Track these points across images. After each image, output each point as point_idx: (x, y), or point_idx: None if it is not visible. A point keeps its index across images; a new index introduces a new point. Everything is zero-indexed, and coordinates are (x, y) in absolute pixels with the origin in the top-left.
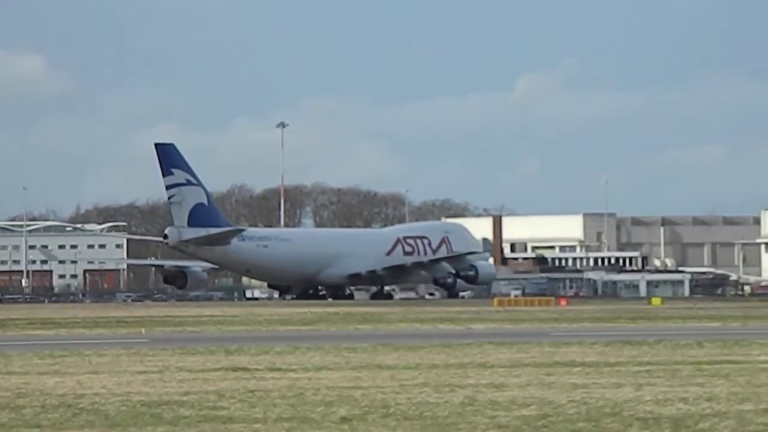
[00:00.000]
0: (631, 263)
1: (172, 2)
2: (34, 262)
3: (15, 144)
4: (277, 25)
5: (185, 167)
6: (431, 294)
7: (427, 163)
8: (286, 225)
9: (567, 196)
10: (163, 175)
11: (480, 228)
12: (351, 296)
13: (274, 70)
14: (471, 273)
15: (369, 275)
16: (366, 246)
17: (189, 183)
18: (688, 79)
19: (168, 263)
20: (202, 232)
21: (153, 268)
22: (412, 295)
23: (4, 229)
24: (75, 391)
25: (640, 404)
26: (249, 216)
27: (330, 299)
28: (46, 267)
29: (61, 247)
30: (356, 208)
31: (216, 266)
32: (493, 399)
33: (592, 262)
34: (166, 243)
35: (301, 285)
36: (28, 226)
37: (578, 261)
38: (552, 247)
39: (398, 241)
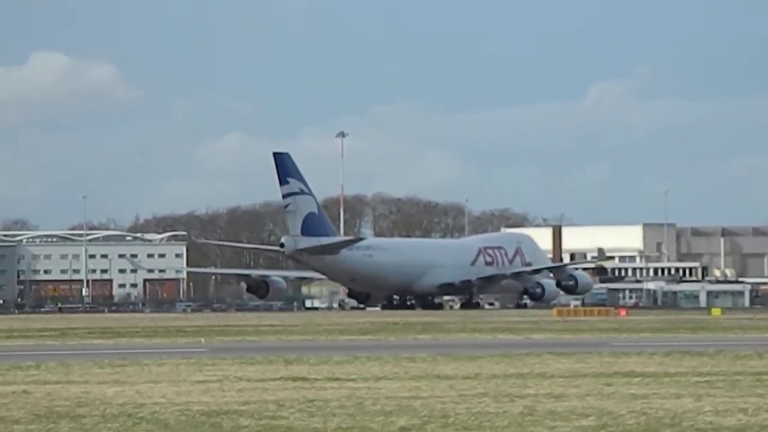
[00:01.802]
0: (690, 273)
1: (240, 12)
2: (94, 271)
3: (78, 152)
4: (345, 34)
5: (299, 176)
6: (491, 304)
7: (490, 173)
8: (346, 235)
9: (627, 206)
10: (280, 184)
11: (540, 238)
12: (440, 305)
13: (342, 78)
14: (571, 283)
15: (462, 285)
16: (454, 256)
17: (302, 192)
18: (754, 88)
19: (254, 273)
20: (314, 241)
21: (214, 277)
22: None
23: (64, 238)
24: (135, 401)
25: (699, 415)
26: None
27: (420, 308)
28: (106, 276)
29: (121, 256)
30: (416, 217)
31: (323, 276)
32: (553, 409)
33: (651, 273)
34: (283, 252)
35: (389, 294)
36: (88, 235)
37: (638, 271)
38: (612, 258)
39: (480, 251)
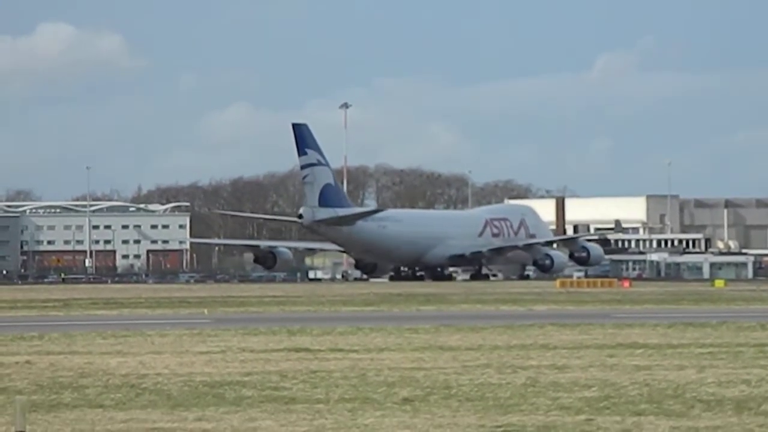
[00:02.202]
0: (694, 245)
1: None
2: (97, 242)
3: (83, 122)
4: (350, 5)
5: (316, 147)
6: (494, 275)
7: (495, 145)
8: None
9: (631, 177)
10: (299, 155)
11: (543, 209)
12: (450, 277)
13: (346, 50)
14: (583, 254)
15: (472, 256)
16: (463, 227)
17: (319, 163)
18: (758, 61)
19: (263, 243)
20: (331, 212)
21: (217, 248)
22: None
23: (68, 209)
24: (138, 371)
25: (702, 386)
26: None
27: (429, 280)
28: (109, 247)
29: (125, 227)
30: (419, 189)
31: (339, 247)
32: (555, 380)
33: (655, 244)
34: (301, 223)
35: (398, 265)
36: (91, 206)
37: (641, 243)
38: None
39: (487, 222)
